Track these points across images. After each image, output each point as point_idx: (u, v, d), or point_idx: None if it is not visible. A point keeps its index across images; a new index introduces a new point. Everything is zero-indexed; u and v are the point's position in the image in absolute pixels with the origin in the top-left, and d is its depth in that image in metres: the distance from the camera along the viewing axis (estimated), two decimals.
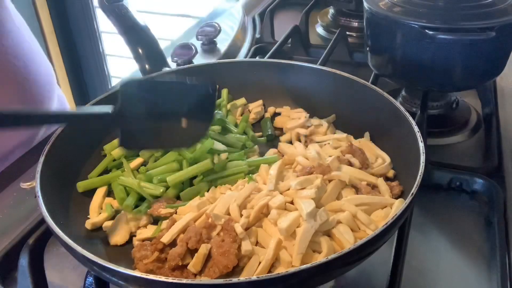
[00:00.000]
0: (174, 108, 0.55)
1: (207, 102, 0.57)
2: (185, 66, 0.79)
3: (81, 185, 0.63)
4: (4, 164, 0.78)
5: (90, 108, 0.57)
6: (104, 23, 2.26)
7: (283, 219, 0.52)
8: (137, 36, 0.78)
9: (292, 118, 0.75)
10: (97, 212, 0.61)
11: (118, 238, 0.57)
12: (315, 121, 0.74)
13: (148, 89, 0.55)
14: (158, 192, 0.61)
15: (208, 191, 0.62)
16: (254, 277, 0.41)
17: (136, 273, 0.43)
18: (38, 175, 0.55)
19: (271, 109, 0.79)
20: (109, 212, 0.60)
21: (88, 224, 0.59)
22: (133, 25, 0.78)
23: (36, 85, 0.91)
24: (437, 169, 0.72)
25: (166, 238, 0.53)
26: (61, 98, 1.01)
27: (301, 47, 1.09)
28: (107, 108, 0.52)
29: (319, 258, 0.49)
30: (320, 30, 1.25)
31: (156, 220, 0.60)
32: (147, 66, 0.77)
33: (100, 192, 0.63)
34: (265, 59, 0.91)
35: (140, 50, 0.78)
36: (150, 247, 0.53)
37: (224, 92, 0.78)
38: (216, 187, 0.63)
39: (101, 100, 0.68)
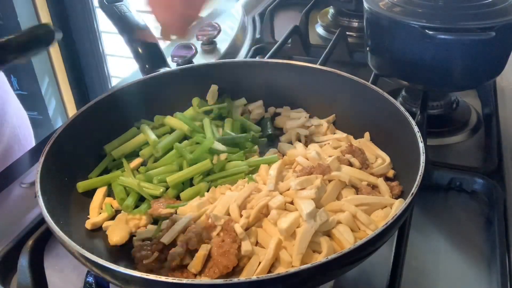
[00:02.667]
0: None
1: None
2: (185, 66, 0.79)
3: (81, 186, 0.63)
4: (4, 164, 0.78)
5: None
6: (104, 23, 2.26)
7: (283, 219, 0.52)
8: (137, 36, 0.78)
9: (292, 118, 0.75)
10: (97, 212, 0.61)
11: (118, 238, 0.57)
12: (315, 121, 0.74)
13: None
14: (157, 192, 0.61)
15: (208, 191, 0.62)
16: (254, 277, 0.41)
17: (136, 273, 0.43)
18: (38, 175, 0.55)
19: (271, 109, 0.79)
20: (109, 212, 0.60)
21: (88, 224, 0.59)
22: (133, 25, 0.78)
23: None
24: (437, 169, 0.72)
25: (166, 239, 0.53)
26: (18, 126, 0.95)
27: (301, 47, 1.09)
28: None
29: (319, 258, 0.49)
30: (320, 30, 1.25)
31: (156, 220, 0.60)
32: (147, 65, 0.77)
33: (100, 192, 0.63)
34: (265, 59, 0.91)
35: (140, 50, 0.78)
36: (150, 247, 0.53)
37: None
38: (216, 187, 0.63)
39: (102, 100, 0.68)
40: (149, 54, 0.78)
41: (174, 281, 0.42)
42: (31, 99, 2.11)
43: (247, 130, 0.74)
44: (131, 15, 0.78)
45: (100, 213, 0.61)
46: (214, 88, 0.77)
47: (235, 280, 0.41)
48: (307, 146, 0.69)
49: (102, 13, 0.82)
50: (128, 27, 0.77)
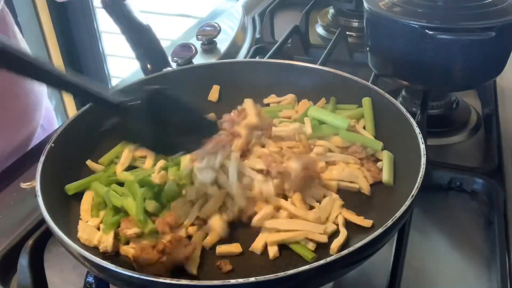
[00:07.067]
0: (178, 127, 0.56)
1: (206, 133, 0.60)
2: (186, 66, 0.79)
3: (70, 188, 0.60)
4: (4, 165, 0.78)
5: (103, 90, 0.52)
6: (104, 23, 2.26)
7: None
8: (140, 36, 0.78)
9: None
10: (89, 215, 0.59)
11: (85, 238, 0.54)
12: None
13: (168, 103, 0.55)
14: (119, 204, 0.57)
15: None
16: (252, 279, 0.41)
17: (134, 274, 0.43)
18: (38, 175, 0.55)
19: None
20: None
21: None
22: (135, 25, 0.78)
23: (29, 94, 0.91)
24: (437, 169, 0.72)
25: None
26: (47, 109, 1.01)
27: (301, 47, 1.09)
28: (117, 97, 0.51)
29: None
30: (320, 30, 1.25)
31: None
32: (148, 65, 0.77)
33: (89, 194, 0.61)
34: (265, 59, 0.91)
35: (142, 50, 0.78)
36: (150, 250, 0.53)
37: None
38: None
39: None
40: (151, 53, 0.78)
41: (173, 282, 0.42)
42: None
43: None
44: (134, 15, 0.78)
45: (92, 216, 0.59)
46: (216, 88, 0.77)
47: (232, 281, 0.41)
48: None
49: (102, 13, 0.82)
50: (130, 27, 0.77)
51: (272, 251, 0.53)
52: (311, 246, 0.53)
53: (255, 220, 0.55)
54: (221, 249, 0.54)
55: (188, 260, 0.52)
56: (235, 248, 0.54)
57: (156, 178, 0.60)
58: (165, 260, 0.52)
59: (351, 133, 0.65)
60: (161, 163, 0.63)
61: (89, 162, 0.65)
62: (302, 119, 0.68)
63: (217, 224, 0.55)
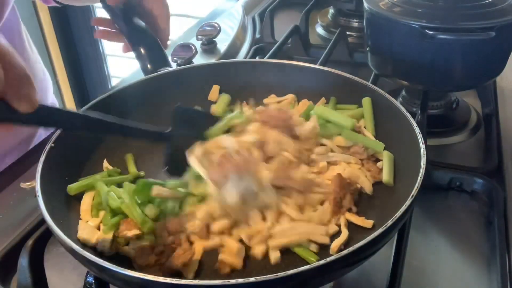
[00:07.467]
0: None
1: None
2: (186, 66, 0.79)
3: (73, 188, 0.59)
4: (4, 164, 0.78)
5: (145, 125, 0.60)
6: None
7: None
8: (140, 36, 0.78)
9: None
10: (89, 215, 0.58)
11: (85, 236, 0.54)
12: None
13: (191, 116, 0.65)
14: (115, 205, 0.57)
15: None
16: (252, 279, 0.41)
17: (134, 274, 0.42)
18: (38, 175, 0.54)
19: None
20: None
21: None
22: (135, 25, 0.78)
23: None
24: (437, 169, 0.72)
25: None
26: (53, 105, 1.03)
27: (301, 47, 1.09)
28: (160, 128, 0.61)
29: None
30: (320, 30, 1.25)
31: None
32: (148, 65, 0.77)
33: (89, 194, 0.61)
34: (265, 59, 0.91)
35: (142, 50, 0.78)
36: (150, 251, 0.53)
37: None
38: None
39: (102, 100, 0.68)
40: (151, 54, 0.78)
41: (173, 281, 0.42)
42: None
43: None
44: (134, 15, 0.78)
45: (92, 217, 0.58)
46: (216, 88, 0.77)
47: (232, 281, 0.41)
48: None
49: (102, 13, 0.82)
50: (130, 27, 0.77)
51: (274, 256, 0.52)
52: (314, 248, 0.53)
53: (253, 243, 0.54)
54: (223, 258, 0.52)
55: (185, 265, 0.52)
56: (236, 262, 0.52)
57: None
58: (163, 262, 0.52)
59: (353, 133, 0.65)
60: None
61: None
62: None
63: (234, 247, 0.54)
